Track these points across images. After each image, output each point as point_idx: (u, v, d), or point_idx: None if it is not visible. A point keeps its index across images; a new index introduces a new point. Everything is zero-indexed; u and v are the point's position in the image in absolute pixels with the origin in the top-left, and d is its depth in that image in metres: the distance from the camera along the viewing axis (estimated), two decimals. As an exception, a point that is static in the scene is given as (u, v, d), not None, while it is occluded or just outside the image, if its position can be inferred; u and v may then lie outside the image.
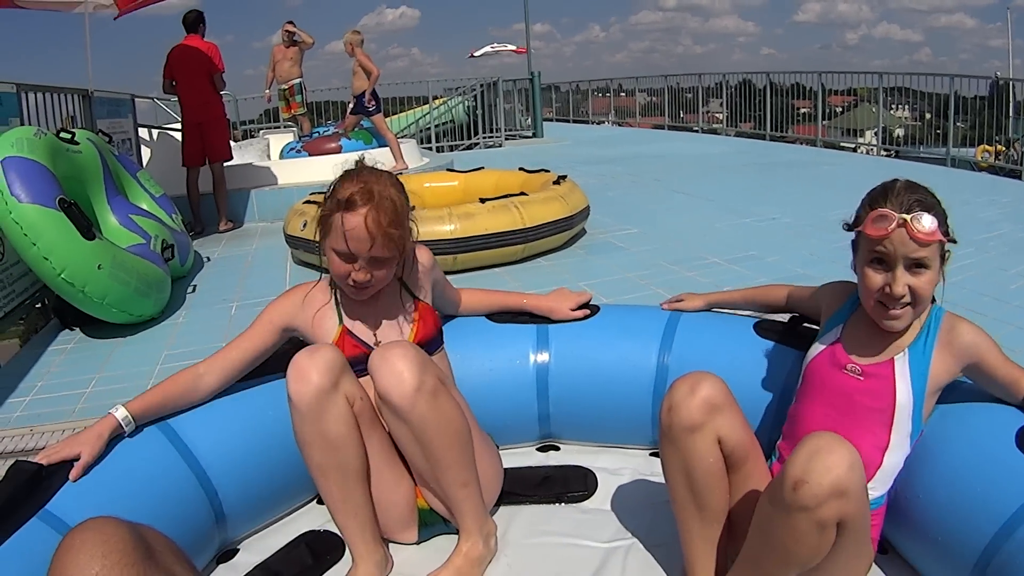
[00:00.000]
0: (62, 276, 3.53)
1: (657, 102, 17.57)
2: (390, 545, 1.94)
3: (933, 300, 1.68)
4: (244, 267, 5.41)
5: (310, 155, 7.77)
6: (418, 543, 1.99)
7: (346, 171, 1.91)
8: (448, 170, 6.37)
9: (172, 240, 4.69)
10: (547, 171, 5.65)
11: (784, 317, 2.17)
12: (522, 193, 4.86)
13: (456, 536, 1.91)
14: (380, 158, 7.28)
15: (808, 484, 1.30)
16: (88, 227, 3.66)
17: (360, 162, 1.95)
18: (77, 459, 1.68)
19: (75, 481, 1.66)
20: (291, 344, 2.05)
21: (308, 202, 5.02)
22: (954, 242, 1.60)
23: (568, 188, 5.14)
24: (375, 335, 1.99)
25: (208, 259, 5.61)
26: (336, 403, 1.74)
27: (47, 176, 3.70)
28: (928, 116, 13.51)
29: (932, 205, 1.58)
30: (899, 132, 13.82)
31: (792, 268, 4.37)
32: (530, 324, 2.36)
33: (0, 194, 3.51)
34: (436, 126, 12.91)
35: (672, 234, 5.41)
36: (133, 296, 3.82)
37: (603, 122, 19.31)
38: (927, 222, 1.54)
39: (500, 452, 2.36)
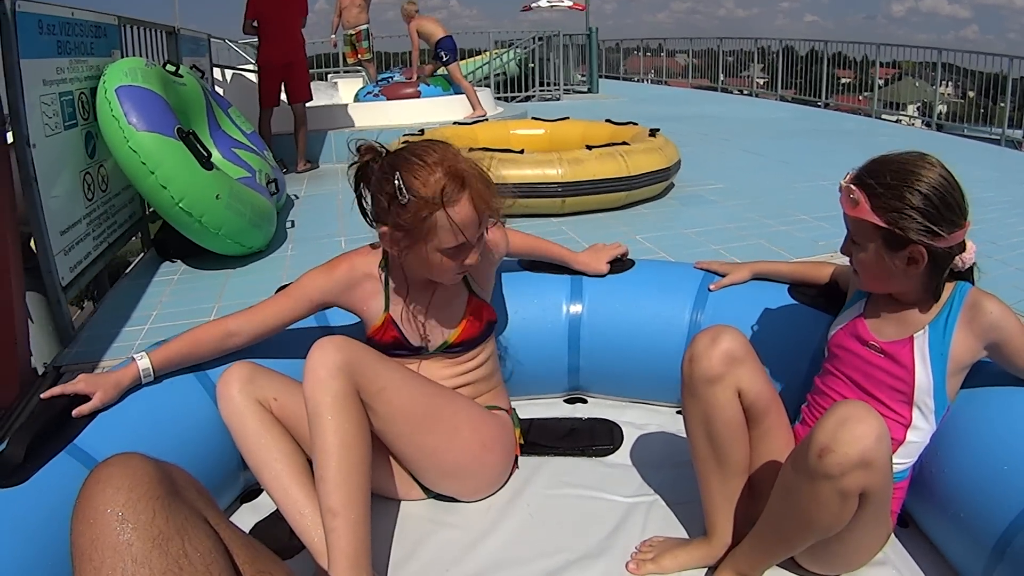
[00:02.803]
0: (180, 205, 3.38)
1: (699, 64, 17.10)
2: (401, 503, 1.88)
3: (970, 279, 1.57)
4: (337, 204, 5.23)
5: (388, 99, 7.58)
6: (427, 498, 1.89)
7: (408, 163, 1.61)
8: (533, 118, 6.17)
9: (274, 175, 4.54)
10: (635, 123, 5.46)
11: None
12: (624, 143, 4.70)
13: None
14: (457, 106, 7.27)
15: (834, 453, 1.25)
16: (207, 157, 3.50)
17: (398, 149, 1.69)
18: (89, 398, 1.65)
19: (76, 417, 1.62)
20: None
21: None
22: (911, 240, 1.43)
23: (663, 141, 4.98)
24: (421, 328, 1.83)
25: (296, 197, 5.45)
26: (251, 417, 1.65)
27: (163, 105, 3.55)
28: (971, 95, 13.07)
29: (885, 188, 1.42)
30: (941, 109, 13.38)
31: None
32: (565, 275, 2.25)
33: (116, 122, 3.36)
34: (491, 76, 12.57)
35: (757, 191, 5.25)
36: (248, 227, 3.68)
37: (643, 80, 18.92)
38: (848, 199, 1.49)
39: (527, 402, 2.28)
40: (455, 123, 5.88)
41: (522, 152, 4.44)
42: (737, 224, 4.36)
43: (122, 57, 4.18)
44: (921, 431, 1.57)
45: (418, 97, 7.60)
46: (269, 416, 1.66)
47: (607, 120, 5.71)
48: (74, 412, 1.62)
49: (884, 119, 11.61)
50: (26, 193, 2.91)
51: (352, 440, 1.52)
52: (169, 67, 4.18)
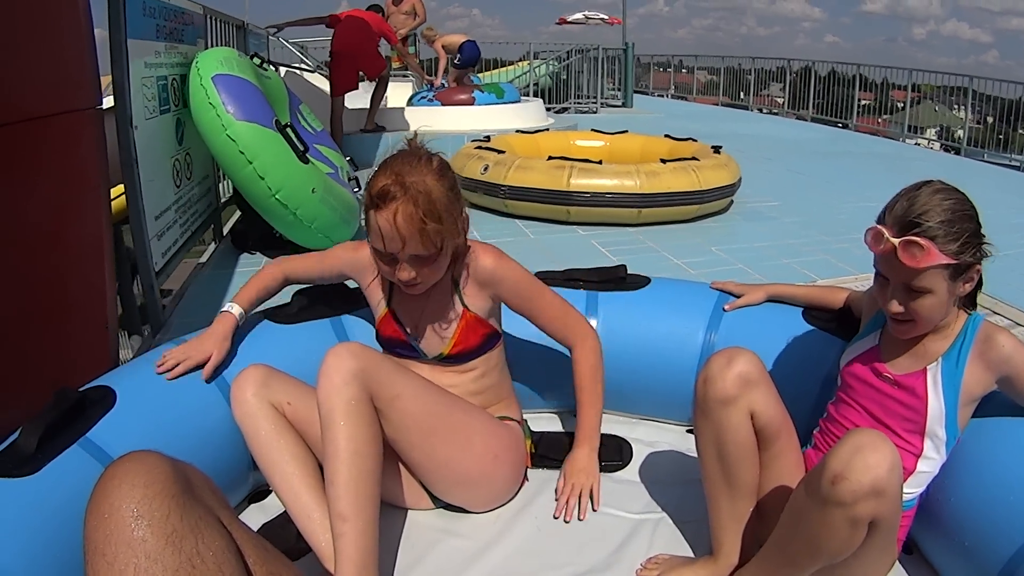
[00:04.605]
0: (276, 197, 3.35)
1: (722, 81, 17.05)
2: (409, 513, 1.84)
3: (973, 306, 1.54)
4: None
5: (443, 105, 7.57)
6: (436, 508, 1.85)
7: (384, 160, 1.63)
8: (593, 130, 6.19)
9: (353, 172, 4.50)
10: (694, 140, 5.45)
11: None
12: (694, 158, 4.74)
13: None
14: (511, 113, 7.21)
15: (848, 480, 1.23)
16: (304, 151, 3.46)
17: (411, 143, 1.66)
18: (205, 363, 1.74)
19: (209, 382, 1.73)
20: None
21: (479, 147, 4.88)
22: (973, 261, 1.42)
23: (727, 158, 5.01)
24: (417, 329, 1.80)
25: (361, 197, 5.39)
26: (264, 419, 1.63)
27: (260, 96, 3.52)
28: (990, 120, 13.01)
29: (942, 225, 1.38)
30: (959, 134, 13.34)
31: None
32: (581, 290, 2.22)
33: (213, 109, 3.32)
34: (530, 86, 12.51)
35: (810, 209, 5.29)
36: (338, 222, 3.65)
37: (663, 95, 18.91)
38: (916, 251, 1.39)
39: (538, 415, 2.25)
40: (517, 131, 5.88)
41: (600, 163, 4.47)
42: (800, 240, 4.40)
43: (207, 47, 4.15)
44: (932, 461, 1.55)
45: (472, 104, 7.59)
46: (282, 419, 1.65)
47: (666, 136, 5.73)
48: (204, 373, 1.72)
49: (905, 142, 11.61)
50: (125, 175, 2.87)
51: (364, 447, 1.49)
52: (256, 59, 4.14)
